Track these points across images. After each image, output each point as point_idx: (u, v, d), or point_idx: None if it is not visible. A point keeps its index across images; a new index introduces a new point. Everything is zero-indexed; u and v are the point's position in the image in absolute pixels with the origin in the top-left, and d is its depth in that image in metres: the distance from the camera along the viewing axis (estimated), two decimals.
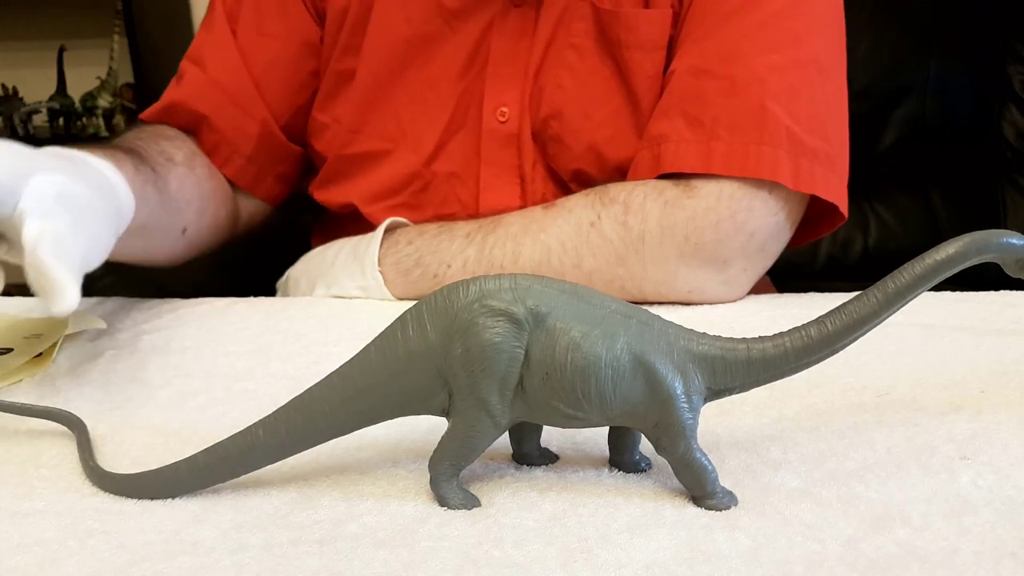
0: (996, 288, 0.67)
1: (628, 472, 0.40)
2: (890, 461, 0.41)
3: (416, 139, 0.75)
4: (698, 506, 0.37)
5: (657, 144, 0.66)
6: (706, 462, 0.37)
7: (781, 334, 0.37)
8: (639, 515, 0.37)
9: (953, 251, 0.36)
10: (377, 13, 0.75)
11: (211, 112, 0.76)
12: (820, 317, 0.37)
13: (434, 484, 0.38)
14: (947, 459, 0.41)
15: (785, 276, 0.95)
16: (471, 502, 0.37)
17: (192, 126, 0.77)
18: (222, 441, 0.38)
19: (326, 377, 0.38)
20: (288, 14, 0.78)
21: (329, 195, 0.80)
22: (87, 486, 0.40)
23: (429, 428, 0.44)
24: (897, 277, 0.36)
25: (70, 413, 0.45)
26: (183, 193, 0.71)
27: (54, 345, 0.58)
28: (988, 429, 0.44)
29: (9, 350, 0.57)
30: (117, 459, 0.43)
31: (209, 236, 0.77)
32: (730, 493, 0.37)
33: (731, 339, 0.37)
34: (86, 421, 0.46)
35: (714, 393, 0.37)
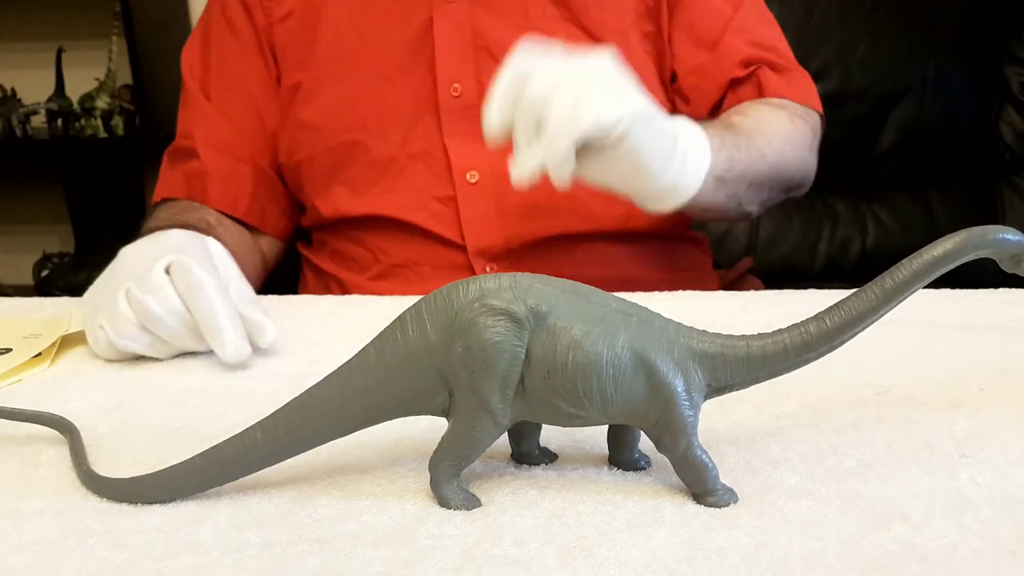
0: (995, 286, 0.67)
1: (627, 470, 0.40)
2: (889, 459, 0.41)
3: (382, 128, 0.80)
4: (699, 503, 0.37)
5: (755, 83, 0.83)
6: (707, 459, 0.37)
7: (780, 331, 0.37)
8: (639, 513, 0.37)
9: (950, 246, 0.36)
10: (324, 21, 0.81)
11: (211, 167, 0.83)
12: (819, 314, 0.37)
13: (435, 485, 0.38)
14: (946, 457, 0.41)
15: (783, 277, 0.95)
16: (472, 502, 0.37)
17: (201, 189, 0.83)
18: (219, 444, 0.38)
19: (325, 378, 0.38)
20: (246, 62, 0.84)
21: (320, 202, 0.84)
22: (86, 485, 0.40)
23: (428, 427, 0.44)
24: (895, 273, 0.37)
25: (62, 417, 0.45)
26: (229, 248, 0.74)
27: (53, 345, 0.58)
28: (987, 427, 0.44)
29: (8, 350, 0.57)
30: (116, 458, 0.43)
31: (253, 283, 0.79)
32: (731, 490, 0.37)
33: (730, 336, 0.37)
34: (85, 420, 0.46)
35: (714, 390, 0.37)
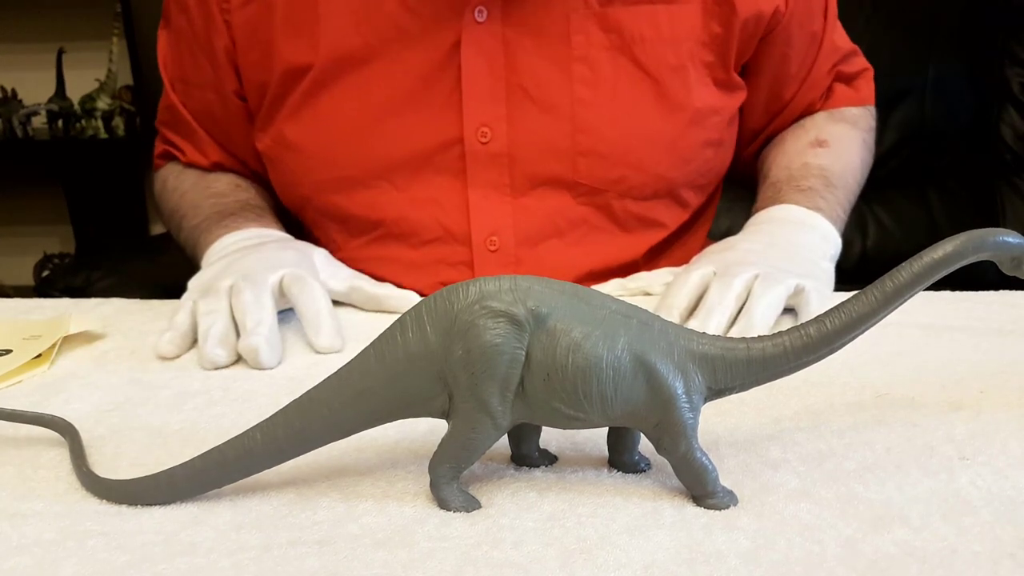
0: (995, 288, 0.67)
1: (627, 472, 0.40)
2: (889, 461, 0.41)
3: (387, 167, 0.72)
4: (699, 505, 0.37)
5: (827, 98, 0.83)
6: (707, 462, 0.37)
7: (780, 333, 0.37)
8: (638, 515, 0.37)
9: (951, 249, 0.36)
10: (324, 20, 0.70)
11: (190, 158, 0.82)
12: (819, 316, 0.37)
13: (434, 487, 0.38)
14: (946, 459, 0.41)
15: None
16: (471, 504, 0.37)
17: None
18: (219, 446, 0.38)
19: (324, 380, 0.38)
20: (199, 65, 0.76)
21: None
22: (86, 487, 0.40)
23: (428, 429, 0.44)
24: (895, 276, 0.37)
25: (62, 419, 0.45)
26: None
27: (53, 346, 0.58)
28: (987, 429, 0.44)
29: (8, 351, 0.57)
30: (116, 460, 0.43)
31: None
32: (731, 492, 0.37)
33: (730, 339, 0.37)
34: (84, 422, 0.46)
35: (714, 393, 0.37)
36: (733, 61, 0.74)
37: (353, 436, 0.39)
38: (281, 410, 0.38)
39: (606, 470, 0.41)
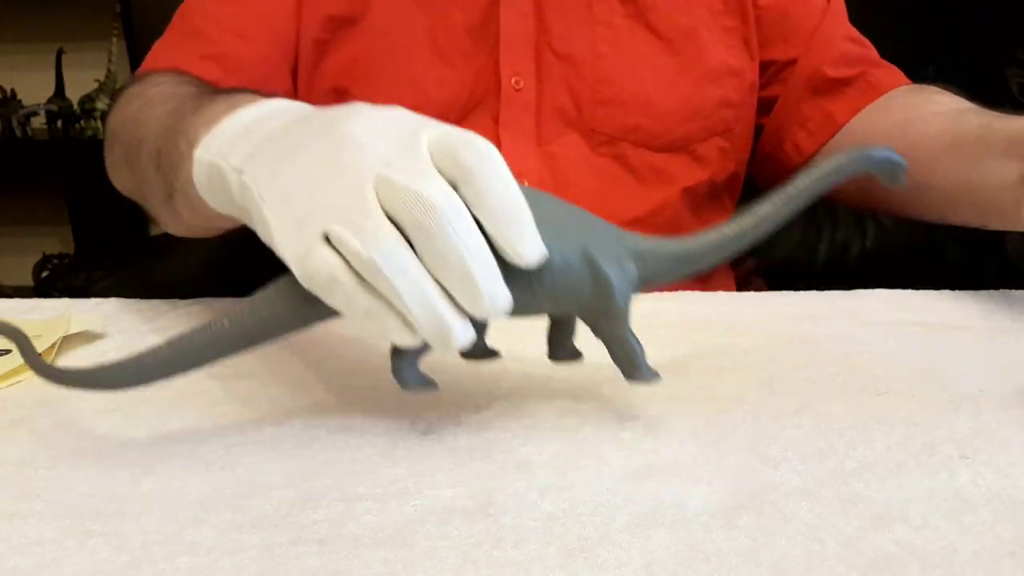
0: (996, 287, 0.67)
1: (569, 360, 0.45)
2: (889, 460, 0.41)
3: (432, 115, 0.77)
4: (627, 380, 0.42)
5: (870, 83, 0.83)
6: (636, 343, 0.42)
7: (706, 232, 0.43)
8: (639, 514, 0.37)
9: (843, 160, 0.42)
10: None
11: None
12: (735, 218, 0.43)
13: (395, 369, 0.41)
14: (946, 458, 0.41)
15: (783, 278, 0.95)
16: (429, 386, 0.41)
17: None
18: (185, 332, 0.40)
19: (289, 272, 0.40)
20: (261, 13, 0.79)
21: None
22: (86, 487, 0.40)
23: (427, 428, 0.44)
24: (796, 182, 0.42)
25: (5, 323, 0.44)
26: None
27: (53, 346, 0.58)
28: (988, 428, 0.44)
29: (8, 351, 0.57)
30: (115, 459, 0.43)
31: None
32: (654, 371, 0.42)
33: (662, 237, 0.43)
34: (85, 422, 0.46)
35: (644, 283, 0.42)
36: (753, 20, 0.81)
37: (353, 434, 0.39)
38: (247, 299, 0.41)
39: (606, 469, 0.41)
